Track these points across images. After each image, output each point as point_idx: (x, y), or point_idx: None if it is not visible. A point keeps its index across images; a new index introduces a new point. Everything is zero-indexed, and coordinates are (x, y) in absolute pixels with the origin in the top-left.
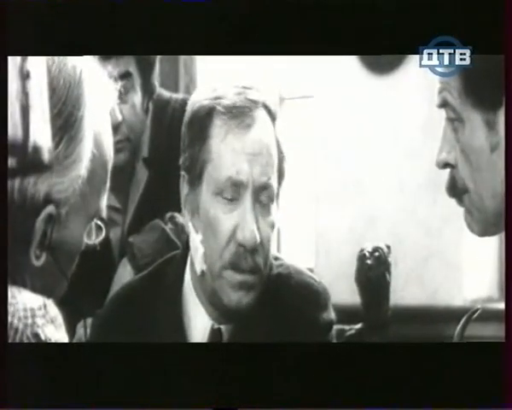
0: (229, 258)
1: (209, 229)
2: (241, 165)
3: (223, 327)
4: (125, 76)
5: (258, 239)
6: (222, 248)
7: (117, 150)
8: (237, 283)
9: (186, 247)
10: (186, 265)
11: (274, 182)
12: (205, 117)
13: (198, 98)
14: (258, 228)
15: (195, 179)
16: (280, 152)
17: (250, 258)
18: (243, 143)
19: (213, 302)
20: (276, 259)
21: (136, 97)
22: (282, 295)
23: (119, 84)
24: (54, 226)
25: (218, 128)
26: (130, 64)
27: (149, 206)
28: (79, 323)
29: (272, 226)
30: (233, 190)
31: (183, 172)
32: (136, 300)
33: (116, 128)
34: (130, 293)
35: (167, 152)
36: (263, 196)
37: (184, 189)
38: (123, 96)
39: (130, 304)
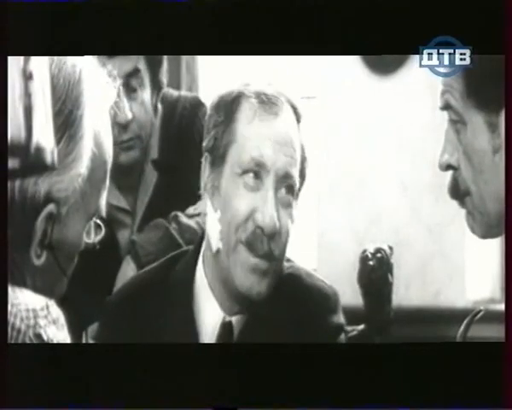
0: (245, 237)
1: (228, 206)
2: (266, 150)
3: (233, 320)
4: (133, 73)
5: (278, 226)
6: (238, 224)
7: (128, 148)
8: (250, 266)
9: (199, 242)
10: (198, 260)
11: (296, 177)
12: (232, 101)
13: (226, 87)
14: (279, 216)
15: (218, 159)
16: (303, 153)
17: (266, 243)
18: (269, 129)
19: (226, 285)
20: (287, 261)
21: (146, 94)
22: (292, 298)
23: (118, 82)
24: (54, 225)
25: (245, 111)
26: (139, 61)
27: (159, 208)
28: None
29: (292, 219)
30: (256, 172)
31: (206, 154)
32: (145, 293)
33: (126, 126)
34: (139, 285)
35: (177, 152)
36: (285, 187)
37: (206, 170)
38: (132, 94)
39: (139, 297)
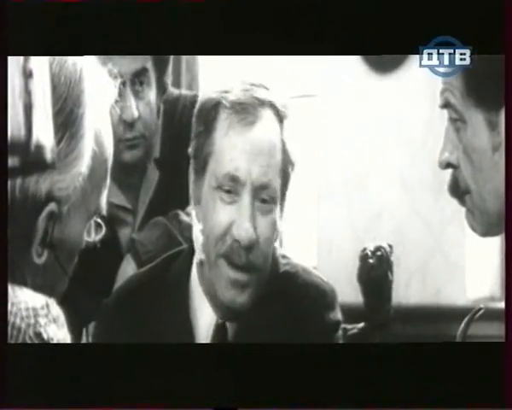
0: (224, 250)
1: (208, 218)
2: (240, 162)
3: (227, 322)
4: (141, 72)
5: (254, 237)
6: (217, 238)
7: (132, 146)
8: (230, 280)
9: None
10: (193, 259)
11: (275, 183)
12: (211, 109)
13: (208, 90)
14: (256, 226)
15: (200, 170)
16: (285, 154)
17: (244, 255)
18: (244, 140)
19: (211, 296)
20: (284, 257)
21: (152, 94)
22: (288, 294)
23: (119, 81)
24: (55, 224)
25: (221, 122)
26: (146, 60)
27: (160, 206)
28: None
29: (274, 226)
30: (231, 186)
31: (191, 160)
32: (142, 292)
33: (132, 124)
34: (137, 285)
35: (178, 151)
36: (263, 195)
37: (192, 176)
38: (139, 93)
39: (136, 296)
